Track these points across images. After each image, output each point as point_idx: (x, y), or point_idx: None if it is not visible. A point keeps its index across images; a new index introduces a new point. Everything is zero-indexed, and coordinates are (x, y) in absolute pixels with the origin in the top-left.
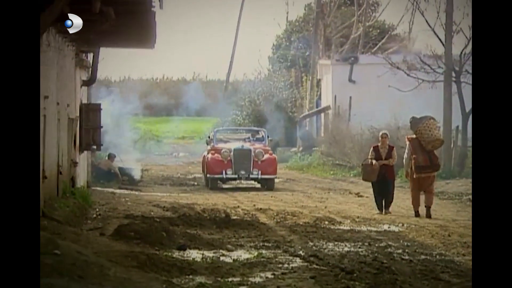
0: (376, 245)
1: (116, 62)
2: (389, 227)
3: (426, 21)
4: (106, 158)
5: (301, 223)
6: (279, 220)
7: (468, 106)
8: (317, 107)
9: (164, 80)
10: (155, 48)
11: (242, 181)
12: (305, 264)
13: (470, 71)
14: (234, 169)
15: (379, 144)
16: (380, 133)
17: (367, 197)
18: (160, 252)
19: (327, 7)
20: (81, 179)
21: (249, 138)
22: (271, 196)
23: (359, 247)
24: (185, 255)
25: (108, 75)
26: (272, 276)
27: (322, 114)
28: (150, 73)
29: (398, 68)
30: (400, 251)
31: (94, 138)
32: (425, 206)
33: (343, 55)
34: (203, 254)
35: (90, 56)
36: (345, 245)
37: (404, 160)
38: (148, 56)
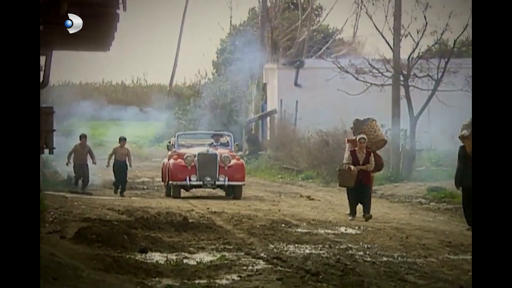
0: (337, 247)
1: (55, 66)
2: (346, 230)
3: (374, 25)
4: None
5: (257, 226)
6: (235, 223)
7: (416, 109)
8: (262, 111)
9: (104, 84)
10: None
11: (207, 189)
12: (269, 266)
13: (418, 74)
14: (199, 175)
15: (357, 148)
16: (358, 138)
17: (319, 200)
18: (123, 254)
19: (272, 11)
20: None
21: (213, 143)
22: (224, 200)
23: (320, 249)
24: (148, 258)
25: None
26: (239, 278)
27: (268, 118)
28: (90, 77)
29: (346, 72)
30: (361, 253)
31: (46, 142)
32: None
33: (289, 59)
34: (166, 256)
35: (41, 59)
36: (306, 247)
37: (344, 160)
38: (87, 60)
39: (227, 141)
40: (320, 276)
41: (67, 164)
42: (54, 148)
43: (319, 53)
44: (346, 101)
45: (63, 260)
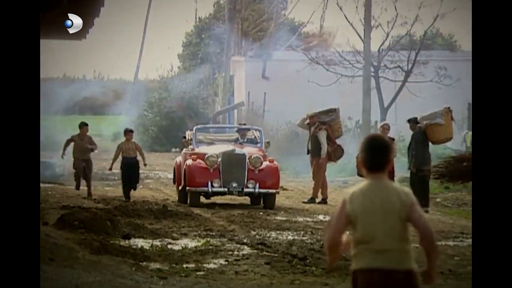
0: (319, 233)
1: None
2: (324, 218)
3: (345, 16)
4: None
5: (235, 214)
6: (213, 212)
7: (387, 100)
8: (229, 104)
9: (65, 78)
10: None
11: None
12: (255, 251)
13: (389, 66)
14: (223, 181)
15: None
16: (381, 124)
17: (292, 191)
18: (108, 239)
19: (240, 3)
20: None
21: (238, 139)
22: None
23: (303, 236)
24: (133, 243)
25: None
26: (226, 262)
27: (236, 111)
28: (52, 71)
29: (317, 63)
30: None
31: None
32: (325, 197)
33: (256, 51)
34: (150, 242)
35: None
36: (288, 234)
37: (323, 146)
38: (50, 53)
39: (255, 137)
40: (308, 261)
41: (62, 156)
42: None
43: (286, 45)
44: (315, 93)
45: (58, 241)
